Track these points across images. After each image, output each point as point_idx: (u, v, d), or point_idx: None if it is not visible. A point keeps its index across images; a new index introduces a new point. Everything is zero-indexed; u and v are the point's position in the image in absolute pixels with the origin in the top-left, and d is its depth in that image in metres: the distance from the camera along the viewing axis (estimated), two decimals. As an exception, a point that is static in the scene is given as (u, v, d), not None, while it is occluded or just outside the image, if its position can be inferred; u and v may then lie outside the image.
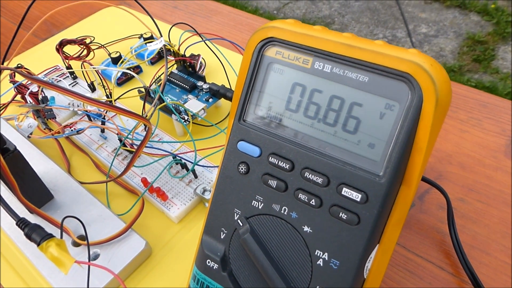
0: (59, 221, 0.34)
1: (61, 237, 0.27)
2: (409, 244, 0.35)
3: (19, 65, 0.50)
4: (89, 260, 0.28)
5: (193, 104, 0.44)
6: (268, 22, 0.25)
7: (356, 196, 0.22)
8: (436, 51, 1.73)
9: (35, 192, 0.37)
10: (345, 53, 0.22)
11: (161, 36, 0.41)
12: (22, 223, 0.28)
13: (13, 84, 0.46)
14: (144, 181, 0.39)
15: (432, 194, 0.38)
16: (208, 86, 0.46)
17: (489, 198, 0.37)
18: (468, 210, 0.37)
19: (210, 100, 0.45)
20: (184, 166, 0.40)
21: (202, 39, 0.46)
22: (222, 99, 0.46)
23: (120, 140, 0.42)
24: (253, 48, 0.25)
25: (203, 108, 0.43)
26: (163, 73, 0.42)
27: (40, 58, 0.59)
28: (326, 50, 0.23)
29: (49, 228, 0.35)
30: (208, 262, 0.26)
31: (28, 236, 0.26)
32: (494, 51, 1.69)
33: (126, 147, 0.41)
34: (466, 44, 1.73)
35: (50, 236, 0.25)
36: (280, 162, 0.24)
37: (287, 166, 0.24)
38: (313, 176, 0.23)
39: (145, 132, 0.41)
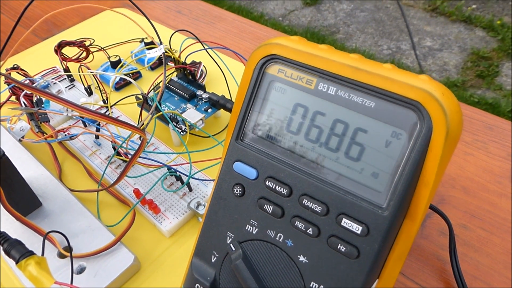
0: (46, 230, 0.33)
1: (42, 254, 0.26)
2: (408, 271, 0.34)
3: (15, 66, 0.48)
4: (72, 276, 0.26)
5: (192, 114, 0.42)
6: (271, 38, 0.23)
7: (357, 228, 0.21)
8: (440, 65, 1.72)
9: (22, 199, 0.36)
10: (351, 76, 0.21)
11: (161, 43, 0.40)
12: (1, 238, 0.26)
13: (8, 85, 0.45)
14: (137, 192, 0.38)
15: (434, 219, 0.37)
16: (207, 95, 0.44)
17: (493, 226, 0.36)
18: (471, 238, 0.35)
19: (209, 110, 0.44)
20: (178, 178, 0.38)
21: (204, 47, 0.45)
22: (222, 109, 0.45)
23: (114, 148, 0.41)
24: (255, 65, 0.24)
25: (201, 119, 0.42)
26: (161, 80, 0.40)
27: (38, 58, 0.58)
28: (332, 71, 0.21)
29: (35, 237, 0.34)
30: (197, 287, 0.25)
31: (7, 252, 0.25)
32: (498, 67, 1.68)
33: (120, 155, 0.40)
34: (470, 59, 1.72)
35: (30, 253, 0.24)
36: (277, 186, 0.23)
37: (285, 191, 0.23)
38: (311, 203, 0.22)
39: (140, 141, 0.40)
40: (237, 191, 0.24)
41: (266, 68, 0.23)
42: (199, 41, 0.44)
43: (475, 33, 1.85)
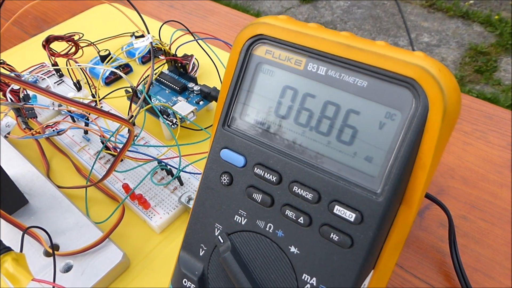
0: (32, 229, 0.31)
1: (21, 250, 0.24)
2: (407, 264, 0.33)
3: (0, 61, 0.47)
4: (54, 274, 0.25)
5: (182, 107, 0.41)
6: (258, 18, 0.22)
7: (350, 215, 0.19)
8: (438, 60, 1.71)
9: (7, 197, 0.34)
10: (342, 54, 0.20)
11: (149, 33, 0.39)
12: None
13: (-7, 80, 0.44)
14: (126, 187, 0.37)
15: (433, 210, 0.36)
16: (199, 88, 0.43)
17: (493, 216, 0.35)
18: (471, 229, 0.34)
19: (201, 102, 0.43)
20: (169, 172, 0.37)
21: (194, 38, 0.43)
22: (214, 102, 0.44)
23: (103, 143, 0.40)
24: (241, 46, 0.22)
25: (192, 111, 0.41)
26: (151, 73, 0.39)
27: (27, 54, 0.57)
28: (321, 50, 0.20)
29: (20, 235, 0.33)
30: (185, 282, 0.24)
31: (-17, 249, 0.23)
32: (497, 62, 1.67)
33: (109, 150, 0.39)
34: (468, 54, 1.71)
35: (7, 249, 0.23)
36: (266, 173, 0.22)
37: (274, 178, 0.21)
38: (302, 191, 0.21)
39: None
40: (224, 180, 0.23)
41: (253, 50, 0.22)
42: (189, 32, 0.43)
43: (473, 29, 1.83)
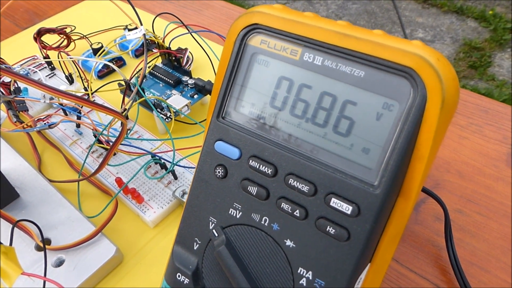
0: (22, 223, 0.31)
1: (11, 244, 0.24)
2: (402, 258, 0.32)
3: (-9, 53, 0.46)
4: (45, 268, 0.25)
5: (177, 100, 0.41)
6: (253, 7, 0.22)
7: (347, 208, 0.19)
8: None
9: (-3, 190, 0.34)
10: (338, 43, 0.19)
11: (142, 25, 0.38)
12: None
13: (-17, 73, 0.43)
14: (119, 181, 0.36)
15: (428, 204, 0.35)
16: (193, 81, 0.43)
17: (489, 210, 0.35)
18: (467, 223, 0.34)
19: (195, 96, 0.42)
20: (163, 166, 0.37)
21: (188, 30, 0.43)
22: (209, 95, 0.43)
23: (95, 136, 0.39)
24: (235, 36, 0.22)
25: (186, 105, 0.40)
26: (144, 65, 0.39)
27: (18, 47, 0.56)
28: (318, 39, 0.20)
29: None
30: (179, 276, 0.24)
31: (-29, 243, 0.23)
32: (491, 58, 1.67)
33: (102, 144, 0.38)
34: (462, 50, 1.71)
35: (-4, 243, 0.23)
36: (261, 166, 0.21)
37: (270, 171, 0.21)
38: (298, 183, 0.20)
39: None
40: (219, 172, 0.23)
41: (248, 40, 0.22)
42: (183, 24, 0.42)
43: (467, 24, 1.84)
